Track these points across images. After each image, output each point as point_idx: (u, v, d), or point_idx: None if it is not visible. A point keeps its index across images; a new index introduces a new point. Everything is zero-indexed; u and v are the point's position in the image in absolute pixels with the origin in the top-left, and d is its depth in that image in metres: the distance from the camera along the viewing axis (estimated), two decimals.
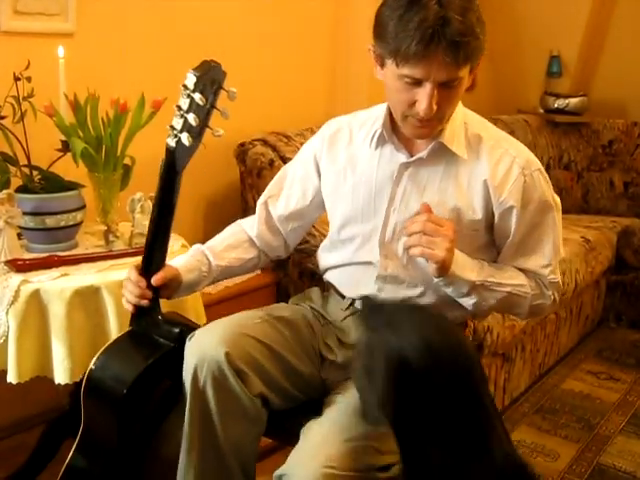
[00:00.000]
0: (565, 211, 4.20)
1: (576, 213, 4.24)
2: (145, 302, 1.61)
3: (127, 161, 2.18)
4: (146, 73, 2.63)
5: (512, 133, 4.09)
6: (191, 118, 1.53)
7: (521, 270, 1.64)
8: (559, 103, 4.39)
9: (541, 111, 4.48)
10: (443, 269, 1.50)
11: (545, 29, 4.48)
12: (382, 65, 1.54)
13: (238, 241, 1.85)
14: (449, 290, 1.58)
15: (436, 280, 1.55)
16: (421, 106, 1.46)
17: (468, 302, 1.60)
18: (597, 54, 4.59)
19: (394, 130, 1.64)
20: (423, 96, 1.46)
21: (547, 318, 3.12)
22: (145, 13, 2.65)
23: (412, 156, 1.63)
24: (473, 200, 1.59)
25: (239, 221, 1.92)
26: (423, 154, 1.60)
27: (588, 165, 4.35)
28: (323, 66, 3.50)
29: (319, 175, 1.79)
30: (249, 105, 3.11)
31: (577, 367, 3.36)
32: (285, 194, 1.84)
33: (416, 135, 1.58)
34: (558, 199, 1.66)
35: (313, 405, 1.67)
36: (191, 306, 2.06)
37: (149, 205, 2.12)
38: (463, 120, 1.62)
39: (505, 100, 4.80)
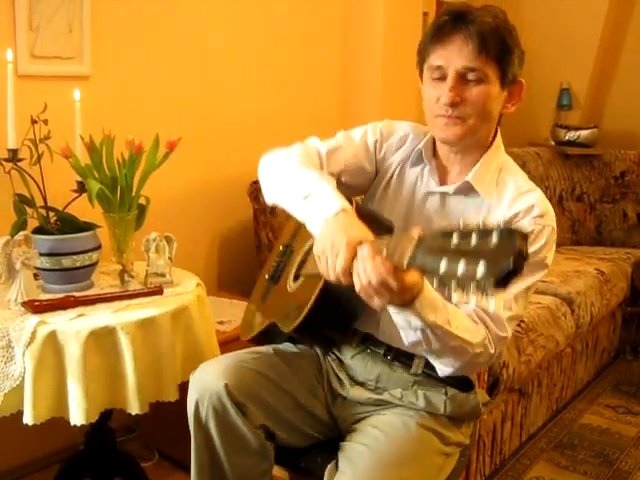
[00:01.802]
0: (578, 243, 4.28)
1: (589, 245, 4.24)
2: None
3: (142, 201, 2.19)
4: (160, 114, 2.67)
5: (523, 165, 4.16)
6: None
7: (479, 312, 1.47)
8: (570, 135, 4.40)
9: (552, 143, 4.49)
10: (397, 306, 1.33)
11: (555, 62, 4.51)
12: (421, 74, 1.58)
13: None
14: (395, 317, 1.39)
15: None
16: (444, 93, 1.49)
17: (409, 336, 1.41)
18: (607, 86, 4.61)
19: (434, 154, 1.65)
20: (446, 84, 1.49)
21: (563, 352, 3.10)
22: (159, 55, 2.70)
23: (442, 185, 1.62)
24: None
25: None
26: (450, 189, 1.60)
27: (601, 197, 4.35)
28: (335, 101, 3.53)
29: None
30: (262, 143, 3.14)
31: (594, 401, 3.32)
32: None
33: (444, 137, 1.56)
34: (550, 262, 1.56)
35: (329, 443, 1.67)
36: (206, 343, 2.06)
37: (164, 245, 2.14)
38: (499, 167, 1.60)
39: (516, 132, 4.80)
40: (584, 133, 4.40)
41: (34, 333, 1.77)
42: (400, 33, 3.32)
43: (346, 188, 1.66)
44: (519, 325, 2.71)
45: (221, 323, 2.53)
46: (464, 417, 1.66)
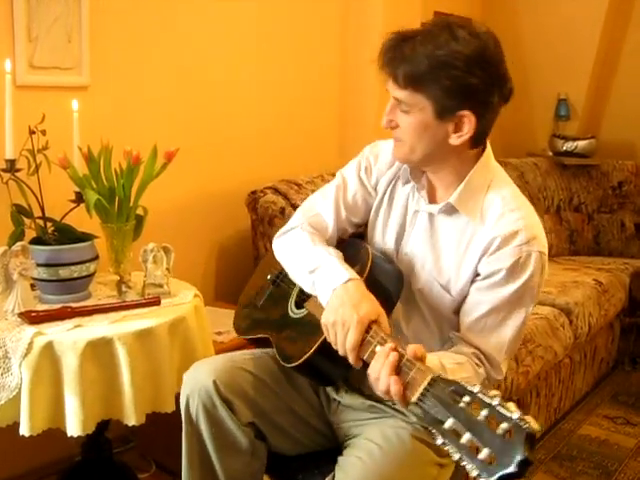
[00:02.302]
0: (576, 253, 4.28)
1: (587, 255, 4.24)
2: None
3: (140, 211, 2.19)
4: (159, 124, 2.67)
5: (521, 176, 4.18)
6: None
7: (478, 354, 1.50)
8: (568, 146, 4.41)
9: (550, 154, 4.50)
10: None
11: (552, 73, 4.53)
12: None
13: None
14: None
15: None
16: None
17: None
18: (604, 96, 4.63)
19: (424, 171, 1.64)
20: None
21: (561, 362, 3.10)
22: (157, 66, 2.70)
23: (430, 203, 1.62)
24: (467, 265, 1.53)
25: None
26: (435, 210, 1.59)
27: (598, 207, 4.35)
28: (333, 113, 3.54)
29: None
30: (260, 153, 3.16)
31: (593, 412, 3.32)
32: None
33: (395, 157, 1.62)
34: (541, 289, 1.55)
35: (327, 457, 1.66)
36: (203, 354, 2.06)
37: (162, 255, 2.14)
38: (487, 184, 1.57)
39: (514, 143, 4.83)
40: (582, 143, 4.41)
41: (31, 344, 1.77)
42: None
43: (360, 226, 1.75)
44: None
45: (219, 334, 2.52)
46: None
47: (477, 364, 1.48)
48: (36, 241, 2.05)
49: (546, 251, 1.53)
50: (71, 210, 2.15)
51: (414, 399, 1.17)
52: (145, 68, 2.67)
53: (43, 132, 2.08)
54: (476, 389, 1.07)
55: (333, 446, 1.71)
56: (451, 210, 1.57)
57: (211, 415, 1.62)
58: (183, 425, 1.67)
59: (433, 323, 1.61)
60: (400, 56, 1.47)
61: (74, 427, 1.79)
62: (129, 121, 2.58)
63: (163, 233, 2.40)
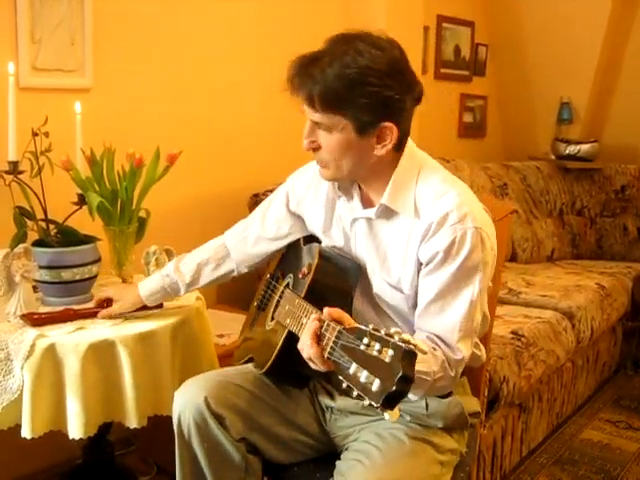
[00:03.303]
0: (579, 257, 4.28)
1: (590, 259, 4.24)
2: None
3: (142, 214, 2.20)
4: (161, 127, 2.68)
5: (524, 179, 4.18)
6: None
7: (432, 337, 1.49)
8: (570, 149, 4.42)
9: (552, 157, 4.50)
10: None
11: (555, 76, 4.54)
12: None
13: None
14: None
15: None
16: None
17: None
18: (607, 100, 4.63)
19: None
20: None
21: (564, 367, 3.09)
22: (160, 69, 2.71)
23: (365, 208, 1.62)
24: (410, 258, 1.54)
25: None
26: (371, 214, 1.59)
27: (601, 211, 4.35)
28: None
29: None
30: (262, 156, 3.16)
31: (595, 416, 3.31)
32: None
33: (323, 178, 1.61)
34: (490, 259, 1.53)
35: (326, 461, 1.66)
36: (205, 357, 2.06)
37: (164, 258, 2.13)
38: (415, 178, 1.56)
39: (516, 147, 4.84)
40: (584, 147, 4.41)
41: (33, 346, 1.77)
42: None
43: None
44: (519, 340, 2.70)
45: (220, 336, 2.52)
46: (451, 424, 1.64)
47: (433, 348, 1.45)
48: (38, 243, 2.05)
49: (486, 226, 1.51)
50: (74, 212, 2.15)
51: (326, 354, 1.24)
52: (148, 71, 2.67)
53: (46, 134, 2.08)
54: (370, 327, 1.14)
55: (331, 450, 1.70)
56: (387, 212, 1.57)
57: (203, 431, 1.62)
58: (176, 442, 1.68)
59: (400, 322, 1.61)
60: (310, 80, 1.45)
61: (76, 429, 1.78)
62: (132, 124, 2.58)
63: (165, 235, 2.39)
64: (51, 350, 1.78)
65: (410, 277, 1.54)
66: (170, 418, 1.92)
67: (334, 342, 1.22)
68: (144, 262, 2.15)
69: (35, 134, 2.08)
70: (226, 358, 2.25)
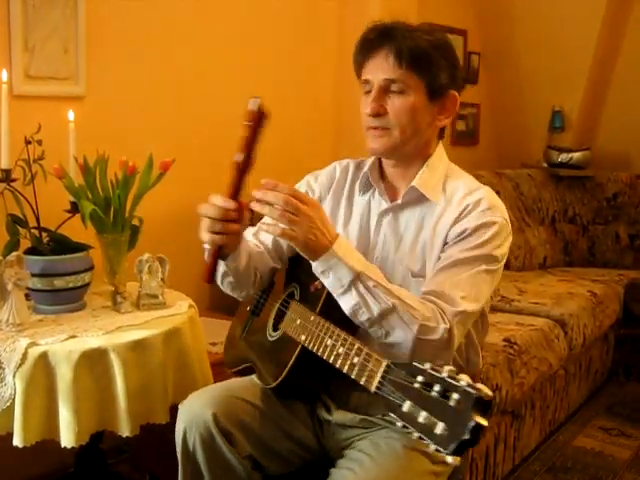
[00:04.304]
0: (571, 264, 4.29)
1: (582, 266, 4.26)
2: (236, 228, 1.51)
3: (135, 222, 2.19)
4: (155, 135, 2.68)
5: (516, 187, 4.19)
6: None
7: (429, 297, 1.46)
8: (562, 157, 4.43)
9: (545, 165, 4.52)
10: (310, 250, 1.38)
11: (547, 84, 4.56)
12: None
13: None
14: (327, 280, 1.41)
15: (314, 266, 1.41)
16: (368, 104, 1.55)
17: (347, 302, 1.41)
18: (599, 108, 4.65)
19: (382, 176, 1.67)
20: (370, 95, 1.55)
21: (556, 374, 3.10)
22: (153, 76, 2.71)
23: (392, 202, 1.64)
24: (437, 242, 1.55)
25: None
26: (399, 200, 1.61)
27: (593, 218, 4.37)
28: (330, 125, 3.55)
29: None
30: (256, 164, 3.15)
31: (588, 423, 3.32)
32: None
33: (372, 148, 1.60)
34: (501, 255, 1.54)
35: (320, 470, 1.65)
36: (198, 365, 2.06)
37: (157, 266, 2.13)
38: (445, 173, 1.63)
39: (509, 154, 4.85)
40: (576, 155, 4.43)
41: (25, 354, 1.76)
42: None
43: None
44: (512, 347, 2.71)
45: (213, 344, 2.52)
46: None
47: (425, 302, 1.43)
48: (31, 251, 2.05)
49: (508, 221, 1.57)
50: (66, 220, 2.14)
51: (373, 389, 1.21)
52: (141, 79, 2.67)
53: (39, 142, 2.09)
54: (427, 366, 1.10)
55: (326, 460, 1.69)
56: (415, 197, 1.59)
57: (209, 447, 1.59)
58: (179, 457, 1.65)
59: None
60: (401, 35, 1.51)
61: (68, 438, 1.78)
62: (125, 131, 2.57)
63: (158, 243, 2.39)
64: (43, 358, 1.78)
65: (434, 260, 1.54)
66: (163, 427, 1.92)
67: (382, 376, 1.19)
68: (137, 270, 2.14)
69: (28, 142, 2.08)
70: (219, 366, 2.24)
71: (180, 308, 2.12)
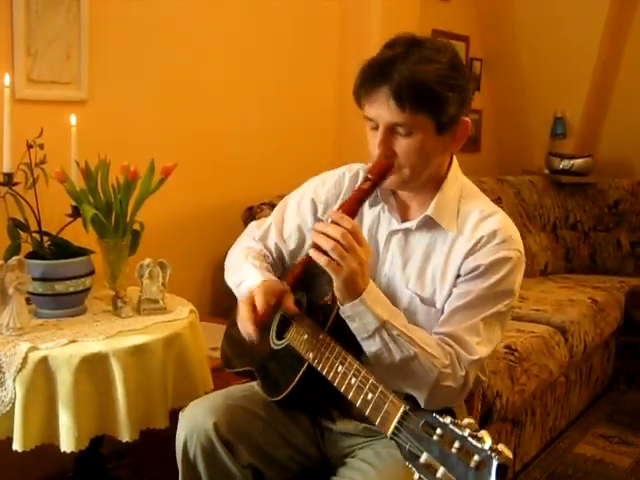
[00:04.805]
0: (572, 271, 4.28)
1: (583, 273, 4.25)
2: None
3: (136, 226, 2.19)
4: (156, 139, 2.68)
5: (518, 193, 4.19)
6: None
7: (446, 339, 1.46)
8: (564, 164, 4.43)
9: (546, 172, 4.52)
10: (347, 289, 1.36)
11: (549, 91, 4.56)
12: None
13: None
14: (353, 325, 1.40)
15: (342, 309, 1.40)
16: (377, 144, 1.47)
17: (370, 347, 1.41)
18: (601, 115, 4.66)
19: (393, 192, 1.62)
20: (377, 136, 1.46)
21: (557, 381, 3.09)
22: (155, 81, 2.71)
23: (403, 222, 1.59)
24: (450, 273, 1.52)
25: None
26: (412, 225, 1.57)
27: (594, 225, 4.37)
28: (330, 129, 3.55)
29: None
30: (256, 169, 3.16)
31: (588, 431, 3.31)
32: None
33: (387, 184, 1.53)
34: (517, 288, 1.53)
35: (315, 477, 1.65)
36: (198, 370, 2.05)
37: (157, 271, 2.13)
38: (459, 195, 1.57)
39: (510, 161, 4.85)
40: (578, 162, 4.43)
41: (25, 359, 1.76)
42: None
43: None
44: (512, 354, 2.70)
45: (214, 349, 2.51)
46: None
47: (443, 346, 1.43)
48: (32, 255, 2.05)
49: (523, 252, 1.53)
50: (68, 224, 2.15)
51: (389, 434, 1.18)
52: (143, 84, 2.67)
53: (41, 146, 2.09)
54: (448, 420, 1.06)
55: (327, 468, 1.68)
56: (429, 224, 1.55)
57: (210, 456, 1.59)
58: (180, 465, 1.64)
59: None
60: (398, 75, 1.39)
61: (68, 443, 1.78)
62: (127, 136, 2.58)
63: (159, 248, 2.39)
64: (44, 363, 1.78)
65: (446, 292, 1.51)
66: (162, 432, 1.92)
67: (399, 422, 1.16)
68: (138, 275, 2.14)
69: (30, 146, 2.08)
70: (219, 371, 2.24)
71: (181, 313, 2.12)
